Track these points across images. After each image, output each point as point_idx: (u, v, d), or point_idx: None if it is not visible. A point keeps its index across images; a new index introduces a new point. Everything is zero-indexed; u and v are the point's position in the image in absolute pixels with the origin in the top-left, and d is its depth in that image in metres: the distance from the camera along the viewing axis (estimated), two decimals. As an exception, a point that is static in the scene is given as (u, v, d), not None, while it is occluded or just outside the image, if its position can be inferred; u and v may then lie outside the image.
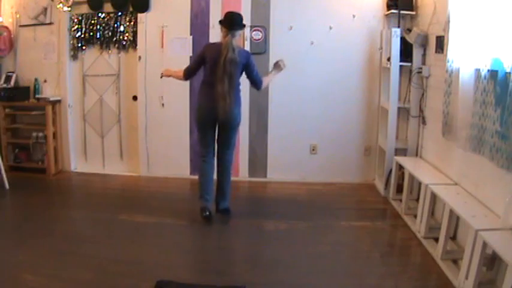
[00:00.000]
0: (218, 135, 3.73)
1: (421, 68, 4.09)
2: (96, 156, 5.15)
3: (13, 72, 4.93)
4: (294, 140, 4.79)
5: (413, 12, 4.27)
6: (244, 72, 3.62)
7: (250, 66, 3.55)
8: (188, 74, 3.71)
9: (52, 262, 2.94)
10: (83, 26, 4.80)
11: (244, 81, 3.72)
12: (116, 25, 4.77)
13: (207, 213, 3.61)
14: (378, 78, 4.63)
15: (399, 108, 4.31)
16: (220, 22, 3.56)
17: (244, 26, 3.62)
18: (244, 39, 4.60)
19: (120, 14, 4.74)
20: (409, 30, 4.17)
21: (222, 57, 3.38)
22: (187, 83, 4.74)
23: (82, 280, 2.72)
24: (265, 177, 4.88)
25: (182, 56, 4.71)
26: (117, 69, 4.92)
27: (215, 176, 3.78)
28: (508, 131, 2.43)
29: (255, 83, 3.67)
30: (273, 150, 4.82)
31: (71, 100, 5.02)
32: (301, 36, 4.60)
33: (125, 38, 4.78)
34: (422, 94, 4.13)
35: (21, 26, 4.95)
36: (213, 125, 3.65)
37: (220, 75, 3.40)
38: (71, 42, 4.88)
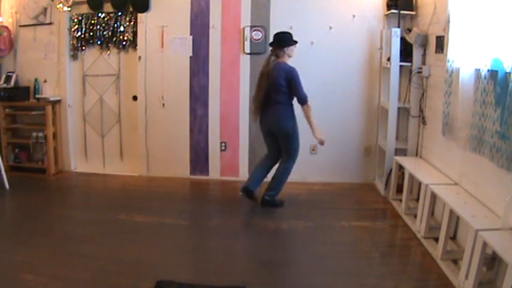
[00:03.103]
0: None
1: (421, 68, 4.09)
2: (96, 156, 5.15)
3: (13, 72, 4.93)
4: (294, 140, 4.78)
5: (413, 12, 4.27)
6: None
7: (290, 81, 3.77)
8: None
9: (52, 262, 2.94)
10: (83, 26, 4.80)
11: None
12: (116, 25, 4.77)
13: (243, 191, 4.01)
14: (378, 78, 4.63)
15: (399, 108, 4.30)
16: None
17: (284, 44, 3.83)
18: (244, 39, 4.61)
19: (120, 14, 4.74)
20: (409, 30, 4.17)
21: (264, 73, 3.81)
22: (188, 84, 4.75)
23: (82, 280, 2.72)
24: (265, 177, 4.86)
25: (182, 56, 4.71)
26: (117, 69, 4.92)
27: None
28: (508, 131, 2.43)
29: (297, 98, 3.83)
30: (273, 150, 4.82)
31: (71, 100, 5.03)
32: (301, 36, 4.55)
33: (125, 38, 4.78)
34: (422, 94, 4.13)
35: (21, 26, 4.95)
36: (267, 133, 4.00)
37: (264, 88, 3.81)
38: (71, 42, 4.88)
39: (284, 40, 3.84)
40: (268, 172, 4.13)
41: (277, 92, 3.80)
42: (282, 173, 4.02)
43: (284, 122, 3.87)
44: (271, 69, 3.78)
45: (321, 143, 3.89)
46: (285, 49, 3.84)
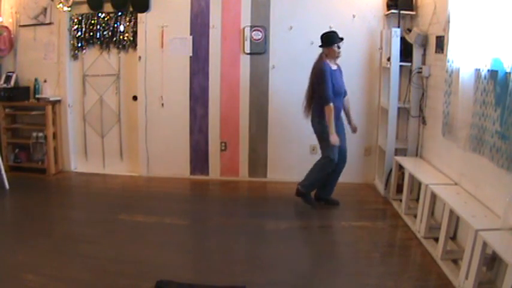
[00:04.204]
0: None
1: (421, 68, 4.09)
2: (96, 156, 5.15)
3: (13, 72, 4.93)
4: (294, 140, 4.78)
5: (413, 12, 4.27)
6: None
7: (316, 80, 3.79)
8: None
9: (52, 262, 2.94)
10: (83, 26, 4.80)
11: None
12: (116, 25, 4.77)
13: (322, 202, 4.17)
14: (378, 78, 4.63)
15: (399, 108, 4.30)
16: None
17: (325, 43, 3.83)
18: (244, 39, 4.61)
19: (120, 14, 4.74)
20: (409, 30, 4.17)
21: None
22: (188, 85, 4.76)
23: (82, 280, 2.72)
24: (265, 177, 4.87)
25: (182, 56, 4.71)
26: (117, 69, 4.92)
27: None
28: (508, 131, 2.43)
29: (320, 97, 3.79)
30: (273, 150, 4.82)
31: (71, 100, 5.03)
32: (301, 36, 4.60)
33: (125, 38, 4.78)
34: (422, 94, 4.13)
35: (21, 26, 4.95)
36: None
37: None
38: (71, 42, 4.88)
39: (324, 41, 3.85)
40: (334, 174, 4.07)
41: (314, 91, 3.86)
42: (315, 168, 3.99)
43: (314, 122, 3.92)
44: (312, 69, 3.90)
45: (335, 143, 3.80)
46: (324, 49, 3.84)
